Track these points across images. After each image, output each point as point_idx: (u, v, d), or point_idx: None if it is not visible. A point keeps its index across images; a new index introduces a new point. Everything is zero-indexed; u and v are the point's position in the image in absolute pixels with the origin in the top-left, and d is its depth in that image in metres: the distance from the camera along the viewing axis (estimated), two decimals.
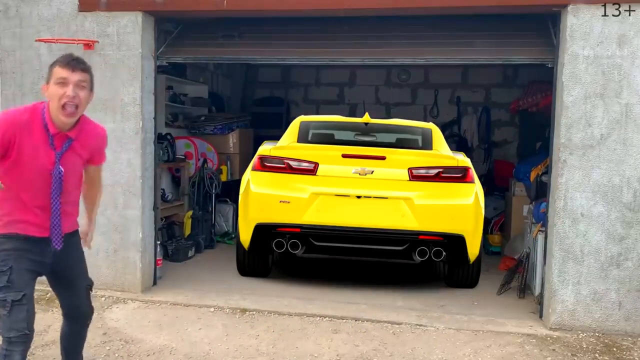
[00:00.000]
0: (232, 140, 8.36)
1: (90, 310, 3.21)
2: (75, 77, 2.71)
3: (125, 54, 5.17)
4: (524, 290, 5.69)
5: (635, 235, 4.68)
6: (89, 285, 3.16)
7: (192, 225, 7.33)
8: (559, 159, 4.73)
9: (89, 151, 2.99)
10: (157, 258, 5.62)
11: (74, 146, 2.86)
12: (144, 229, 5.33)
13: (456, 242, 5.31)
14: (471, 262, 5.59)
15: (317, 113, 10.34)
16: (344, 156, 5.41)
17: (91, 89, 2.84)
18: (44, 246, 2.86)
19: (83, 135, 2.91)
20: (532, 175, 6.34)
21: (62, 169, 2.80)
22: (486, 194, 6.59)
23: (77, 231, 3.11)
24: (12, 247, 2.78)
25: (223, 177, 8.02)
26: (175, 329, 4.52)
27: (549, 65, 4.95)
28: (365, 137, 6.05)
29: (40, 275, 2.96)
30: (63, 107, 2.70)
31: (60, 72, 2.71)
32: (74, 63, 2.73)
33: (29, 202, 2.80)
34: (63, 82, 2.70)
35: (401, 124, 6.26)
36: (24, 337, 2.74)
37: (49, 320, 4.51)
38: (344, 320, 4.82)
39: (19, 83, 5.38)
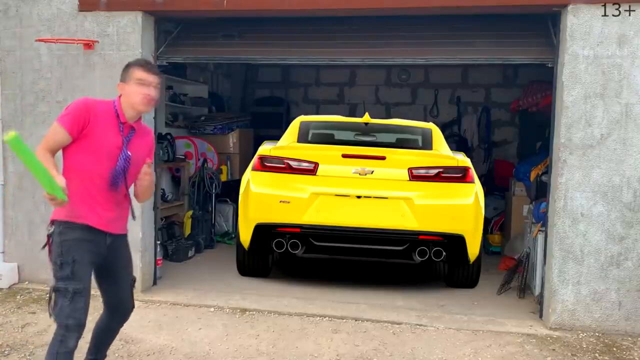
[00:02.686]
0: (232, 140, 8.37)
1: (132, 305, 3.35)
2: (152, 78, 3.04)
3: (125, 54, 5.16)
4: (524, 290, 5.69)
5: (635, 235, 4.68)
6: (133, 280, 3.34)
7: (192, 225, 7.33)
8: (559, 158, 4.73)
9: (145, 145, 3.21)
10: (157, 258, 5.63)
11: (136, 138, 3.11)
12: (144, 229, 5.33)
13: (456, 242, 5.31)
14: (471, 262, 5.59)
15: (317, 113, 10.34)
16: (344, 156, 5.41)
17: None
18: (101, 238, 3.04)
19: (141, 131, 3.19)
20: (532, 175, 6.33)
21: (130, 153, 3.04)
22: (486, 194, 6.59)
23: (126, 235, 3.26)
24: (74, 238, 2.95)
25: (223, 177, 8.03)
26: (175, 329, 4.53)
27: (549, 65, 4.95)
28: (365, 137, 6.05)
29: (95, 266, 3.11)
30: (144, 102, 3.02)
31: (138, 73, 3.02)
32: (150, 67, 3.08)
33: (93, 191, 2.98)
34: (142, 83, 3.01)
35: (401, 124, 6.25)
36: (80, 327, 2.97)
37: (49, 320, 4.47)
38: (344, 320, 4.82)
39: (19, 83, 5.38)
